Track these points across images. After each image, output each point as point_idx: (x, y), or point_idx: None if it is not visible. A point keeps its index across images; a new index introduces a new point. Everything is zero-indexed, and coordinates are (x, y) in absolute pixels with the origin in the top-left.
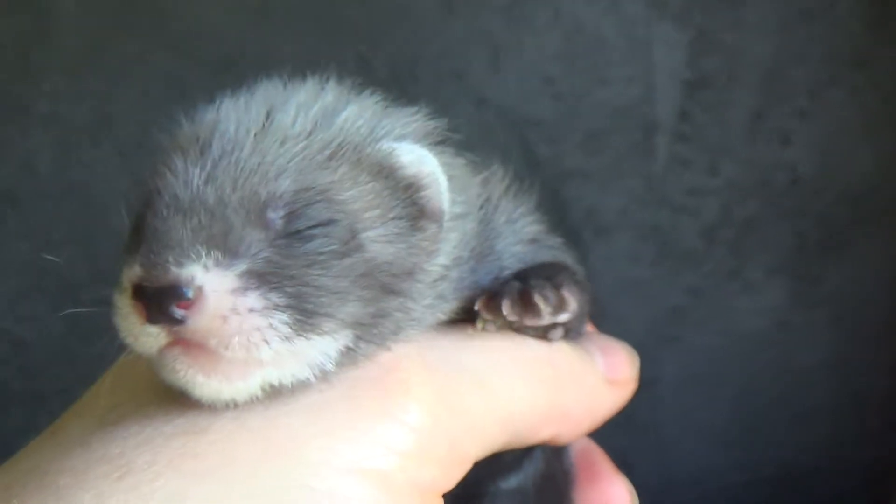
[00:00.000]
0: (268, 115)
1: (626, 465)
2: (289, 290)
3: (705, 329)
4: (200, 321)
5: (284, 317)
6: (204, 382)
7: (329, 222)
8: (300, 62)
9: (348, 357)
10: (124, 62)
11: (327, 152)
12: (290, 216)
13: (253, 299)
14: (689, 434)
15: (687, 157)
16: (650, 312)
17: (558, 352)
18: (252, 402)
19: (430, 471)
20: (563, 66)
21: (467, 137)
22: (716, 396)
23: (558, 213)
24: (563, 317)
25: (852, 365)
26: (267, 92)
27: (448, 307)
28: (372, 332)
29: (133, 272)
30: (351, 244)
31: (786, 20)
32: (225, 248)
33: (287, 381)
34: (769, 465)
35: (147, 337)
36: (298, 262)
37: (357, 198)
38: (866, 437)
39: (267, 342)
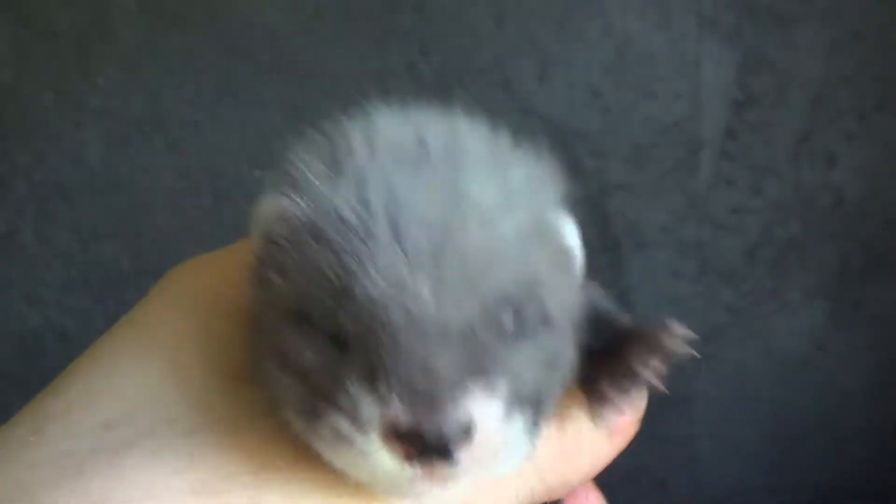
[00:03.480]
0: (454, 184)
1: (658, 482)
2: (530, 397)
3: (743, 348)
4: (471, 458)
5: (529, 423)
6: (437, 492)
7: (547, 319)
8: (351, 66)
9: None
10: (178, 59)
11: (524, 229)
12: (517, 316)
13: (517, 421)
14: (723, 453)
15: (731, 175)
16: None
17: (577, 425)
18: None
19: None
20: (612, 80)
21: None
22: (752, 416)
23: (600, 226)
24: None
25: (891, 390)
26: (428, 141)
27: None
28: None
29: (394, 412)
30: (565, 341)
31: (836, 41)
32: (484, 370)
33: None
34: (805, 488)
35: (397, 475)
36: (532, 367)
37: (555, 284)
38: None
39: (514, 456)
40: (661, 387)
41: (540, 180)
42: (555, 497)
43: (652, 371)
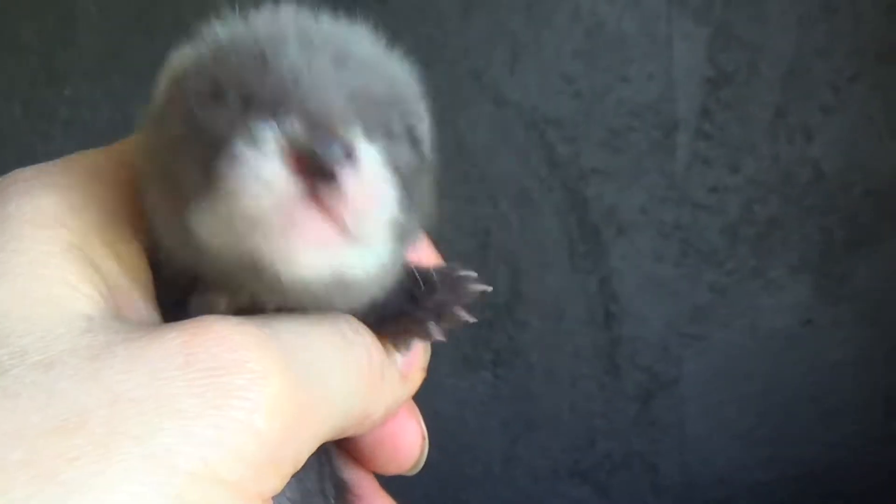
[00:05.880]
0: (347, 34)
1: (649, 465)
2: (399, 187)
3: (728, 327)
4: (353, 188)
5: (397, 207)
6: (313, 256)
7: (417, 142)
8: None
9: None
10: (145, 65)
11: (406, 73)
12: (407, 128)
13: (388, 184)
14: (712, 433)
15: (708, 154)
16: (672, 311)
17: (375, 351)
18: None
19: (272, 481)
20: (583, 64)
21: (487, 137)
22: (740, 395)
23: (578, 213)
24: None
25: (879, 363)
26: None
27: None
28: (403, 247)
29: (293, 129)
30: (426, 181)
31: (808, 14)
32: (369, 128)
33: (357, 273)
34: (795, 464)
35: (284, 194)
36: (403, 167)
37: (424, 129)
38: (894, 436)
39: (382, 231)
40: (441, 337)
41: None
42: (355, 432)
43: (437, 328)
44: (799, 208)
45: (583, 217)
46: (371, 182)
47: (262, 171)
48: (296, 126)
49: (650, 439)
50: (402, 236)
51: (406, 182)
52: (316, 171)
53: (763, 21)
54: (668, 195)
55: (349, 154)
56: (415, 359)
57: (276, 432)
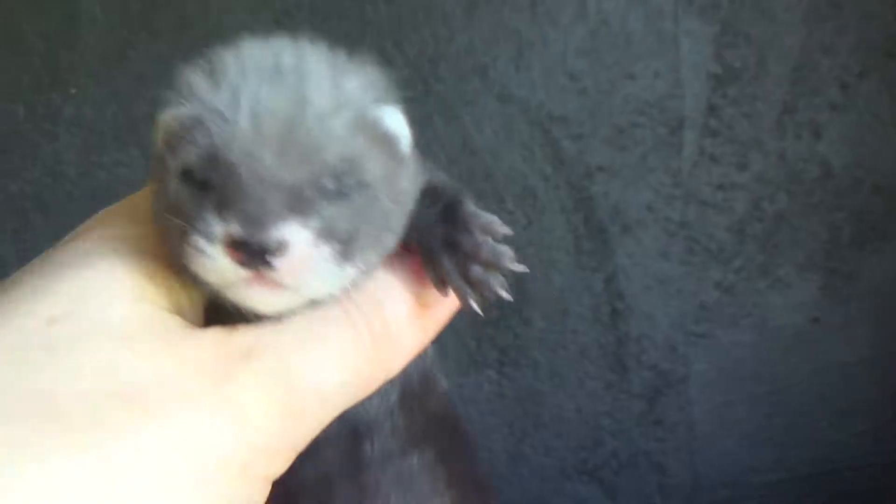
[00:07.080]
0: (299, 93)
1: (656, 464)
2: (341, 237)
3: (736, 326)
4: (288, 268)
5: (337, 255)
6: (267, 299)
7: (363, 185)
8: None
9: (359, 279)
10: (149, 65)
11: (350, 124)
12: (336, 181)
13: (324, 249)
14: (721, 433)
15: (715, 151)
16: (679, 309)
17: (378, 321)
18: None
19: (275, 465)
20: (589, 61)
21: (492, 134)
22: (748, 394)
23: (584, 210)
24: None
25: (890, 360)
26: (283, 62)
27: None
28: (375, 263)
29: (233, 228)
30: (384, 203)
31: (815, 10)
32: (303, 212)
33: (314, 298)
34: (804, 463)
35: (234, 275)
36: (346, 217)
37: (374, 161)
38: None
39: (323, 277)
40: (480, 312)
41: (368, 87)
42: (373, 388)
43: (474, 300)
44: (807, 205)
45: (588, 215)
46: (302, 260)
47: (215, 261)
48: (236, 226)
49: (657, 438)
50: (357, 255)
51: (354, 226)
52: (254, 260)
53: (770, 17)
54: (675, 192)
55: (280, 247)
56: (439, 314)
57: (272, 430)
